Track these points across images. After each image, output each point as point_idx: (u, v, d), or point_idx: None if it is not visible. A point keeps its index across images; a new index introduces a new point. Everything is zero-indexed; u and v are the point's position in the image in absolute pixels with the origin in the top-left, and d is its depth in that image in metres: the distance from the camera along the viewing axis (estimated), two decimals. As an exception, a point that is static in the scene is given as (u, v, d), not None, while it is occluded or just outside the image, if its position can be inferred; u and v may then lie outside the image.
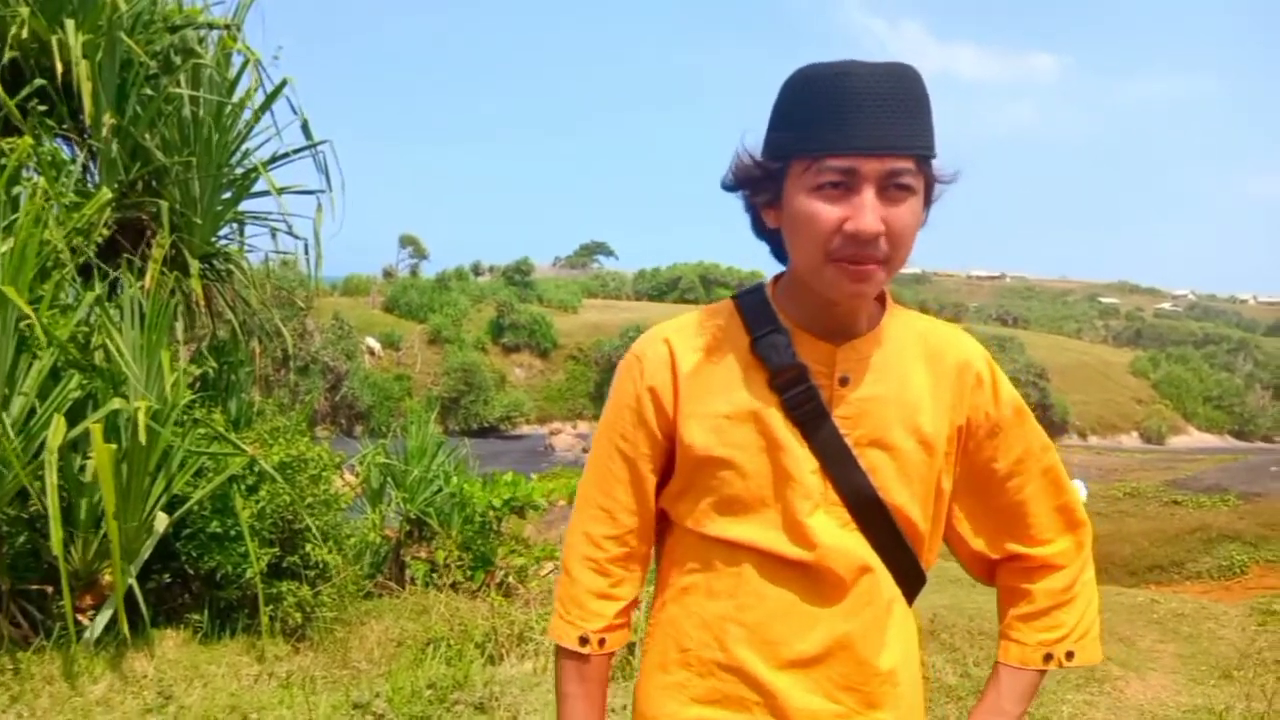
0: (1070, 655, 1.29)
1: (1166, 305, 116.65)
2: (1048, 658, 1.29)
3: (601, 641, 1.30)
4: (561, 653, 1.33)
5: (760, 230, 1.26)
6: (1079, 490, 17.58)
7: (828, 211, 1.10)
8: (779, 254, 1.27)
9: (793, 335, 1.22)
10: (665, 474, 1.31)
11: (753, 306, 1.26)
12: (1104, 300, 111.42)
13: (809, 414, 1.20)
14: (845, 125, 1.08)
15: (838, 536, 1.21)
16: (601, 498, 1.32)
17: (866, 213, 1.08)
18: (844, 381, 1.22)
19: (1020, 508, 1.30)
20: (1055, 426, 50.66)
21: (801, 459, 1.20)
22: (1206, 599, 10.58)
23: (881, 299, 1.29)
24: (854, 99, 1.08)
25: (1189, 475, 20.94)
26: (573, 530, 1.34)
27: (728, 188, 1.24)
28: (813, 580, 1.21)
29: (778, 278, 1.30)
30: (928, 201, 1.18)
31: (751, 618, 1.22)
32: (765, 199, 1.20)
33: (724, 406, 1.23)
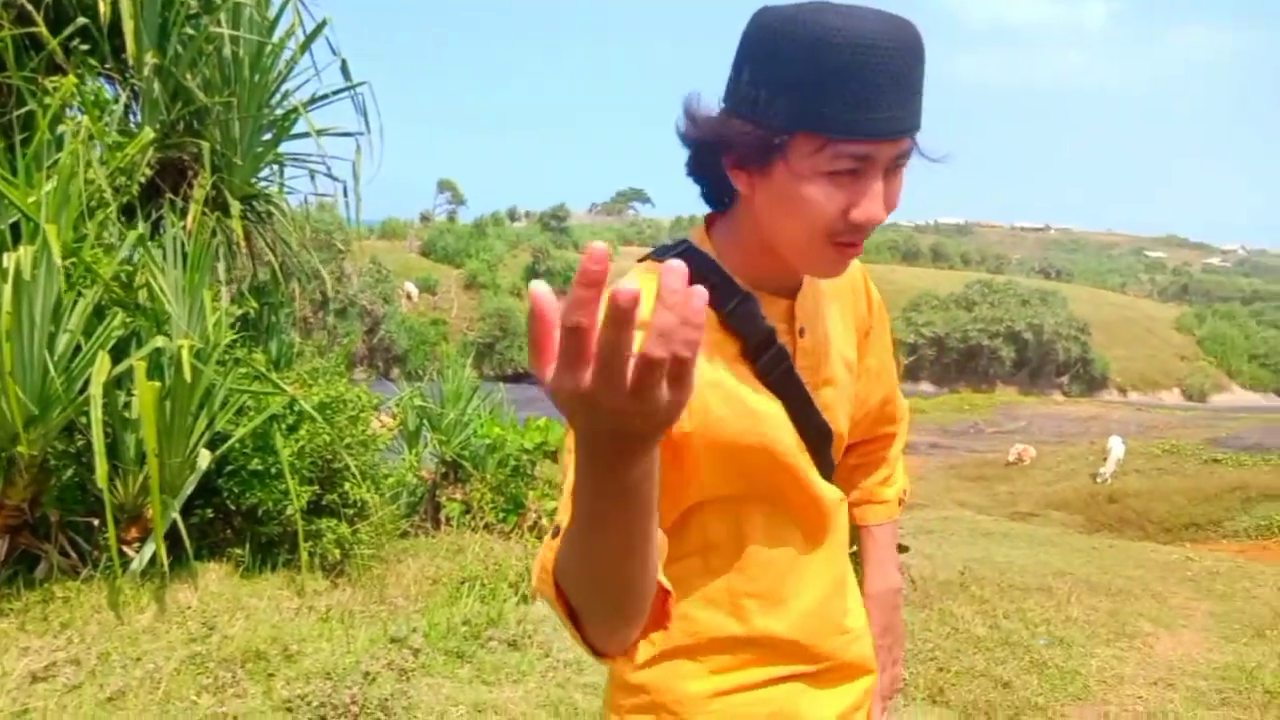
0: (904, 491, 1.49)
1: (1215, 260, 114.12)
2: (900, 503, 1.48)
3: None
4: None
5: (704, 175, 1.12)
6: (1115, 447, 17.34)
7: (835, 198, 1.01)
8: (714, 199, 1.15)
9: (758, 299, 1.14)
10: None
11: (707, 274, 1.11)
12: (1150, 254, 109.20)
13: (781, 375, 1.15)
14: (872, 109, 0.97)
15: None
16: None
17: (879, 202, 1.01)
18: (801, 333, 1.18)
19: (888, 396, 1.43)
20: (1095, 381, 50.01)
21: (781, 424, 1.15)
22: (1243, 558, 10.50)
23: None
24: (879, 78, 0.97)
25: (1230, 434, 20.66)
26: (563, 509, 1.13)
27: (705, 146, 1.07)
28: (814, 528, 1.21)
29: (708, 229, 1.18)
30: None
31: (760, 586, 1.18)
32: (747, 165, 1.05)
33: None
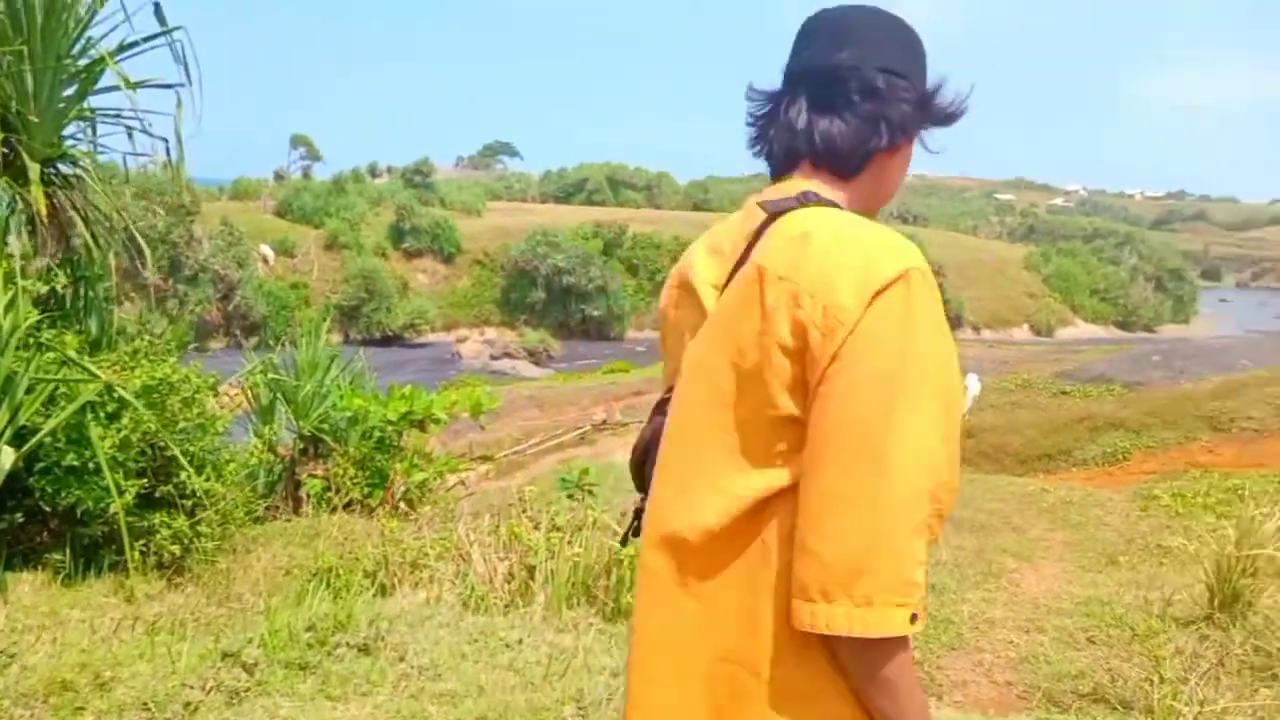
0: None
1: (1059, 201, 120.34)
2: None
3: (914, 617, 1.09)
4: (893, 644, 1.07)
5: (869, 148, 1.28)
6: (972, 384, 18.07)
7: None
8: (835, 162, 1.29)
9: None
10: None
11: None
12: (1000, 197, 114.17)
13: None
14: None
15: None
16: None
17: None
18: None
19: None
20: (951, 322, 51.55)
21: None
22: (1092, 485, 11.06)
23: None
24: None
25: (1076, 366, 21.76)
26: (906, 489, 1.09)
27: (893, 111, 1.27)
28: None
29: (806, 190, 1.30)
30: None
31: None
32: (910, 133, 1.32)
33: None
